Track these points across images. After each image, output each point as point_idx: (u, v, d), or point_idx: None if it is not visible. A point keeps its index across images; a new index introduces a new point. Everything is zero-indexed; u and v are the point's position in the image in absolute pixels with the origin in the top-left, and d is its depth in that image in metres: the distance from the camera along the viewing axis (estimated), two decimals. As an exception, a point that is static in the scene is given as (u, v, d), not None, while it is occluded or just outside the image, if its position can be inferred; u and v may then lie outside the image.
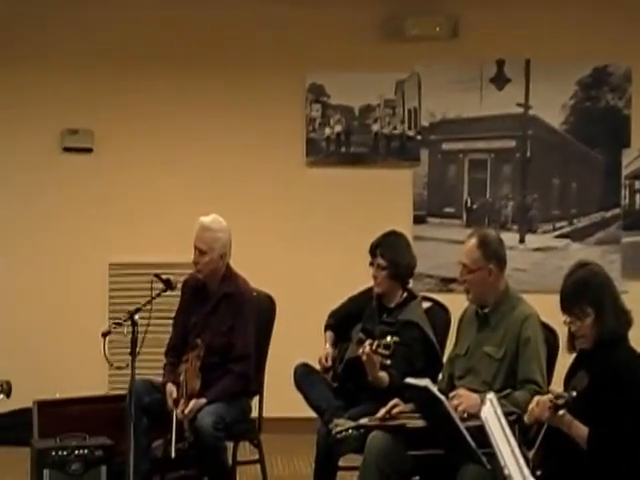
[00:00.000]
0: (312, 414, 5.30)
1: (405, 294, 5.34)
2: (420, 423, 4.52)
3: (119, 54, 7.32)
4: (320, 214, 7.47)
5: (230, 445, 5.36)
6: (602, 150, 7.54)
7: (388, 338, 4.88)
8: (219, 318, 5.42)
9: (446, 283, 7.35)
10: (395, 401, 4.70)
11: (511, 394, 4.46)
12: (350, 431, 4.75)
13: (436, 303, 5.50)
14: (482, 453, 4.06)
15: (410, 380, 4.44)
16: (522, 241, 7.53)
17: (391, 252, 5.28)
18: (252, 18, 7.35)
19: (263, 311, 5.58)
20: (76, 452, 5.42)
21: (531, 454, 3.98)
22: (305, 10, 7.32)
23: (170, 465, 5.32)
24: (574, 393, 3.89)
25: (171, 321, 5.64)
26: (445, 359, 5.06)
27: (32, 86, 7.33)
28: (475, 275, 4.67)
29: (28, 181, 7.33)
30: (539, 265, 7.49)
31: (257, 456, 5.55)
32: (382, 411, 4.70)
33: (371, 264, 5.32)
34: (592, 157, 7.54)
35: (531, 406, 3.99)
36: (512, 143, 7.54)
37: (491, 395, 3.82)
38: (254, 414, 5.54)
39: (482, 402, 3.87)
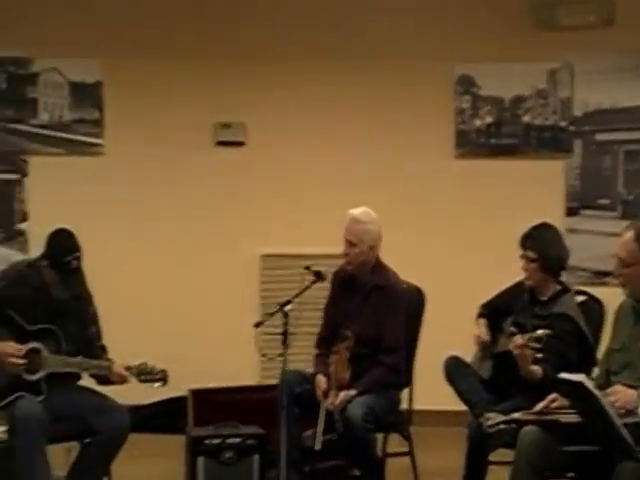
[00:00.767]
0: (463, 407, 5.26)
1: (558, 287, 5.24)
2: (574, 419, 4.43)
3: (271, 50, 7.41)
4: (470, 206, 7.42)
5: (380, 437, 5.37)
6: None
7: (540, 331, 4.80)
8: (369, 310, 5.42)
9: (600, 276, 7.20)
10: (554, 395, 4.60)
11: (669, 390, 4.34)
12: (502, 425, 4.70)
13: (590, 297, 5.38)
14: (640, 450, 3.98)
15: (564, 375, 4.35)
16: (680, 234, 7.30)
17: (541, 244, 5.19)
18: (397, 8, 7.34)
19: (412, 303, 5.57)
20: (229, 440, 5.47)
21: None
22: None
23: (320, 456, 5.31)
24: None
25: (321, 313, 5.68)
26: (600, 354, 4.95)
27: (187, 81, 7.49)
28: (631, 269, 4.55)
29: (183, 174, 7.51)
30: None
31: (407, 448, 5.53)
32: (540, 404, 4.60)
33: (521, 256, 5.25)
34: None
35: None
36: (669, 133, 7.36)
37: (649, 391, 3.73)
38: (404, 406, 5.54)
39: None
